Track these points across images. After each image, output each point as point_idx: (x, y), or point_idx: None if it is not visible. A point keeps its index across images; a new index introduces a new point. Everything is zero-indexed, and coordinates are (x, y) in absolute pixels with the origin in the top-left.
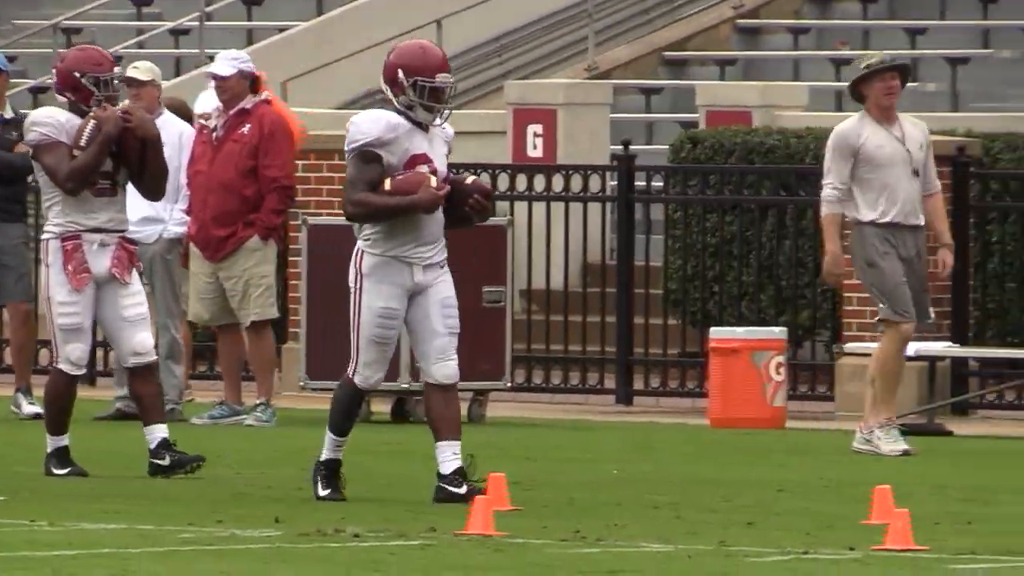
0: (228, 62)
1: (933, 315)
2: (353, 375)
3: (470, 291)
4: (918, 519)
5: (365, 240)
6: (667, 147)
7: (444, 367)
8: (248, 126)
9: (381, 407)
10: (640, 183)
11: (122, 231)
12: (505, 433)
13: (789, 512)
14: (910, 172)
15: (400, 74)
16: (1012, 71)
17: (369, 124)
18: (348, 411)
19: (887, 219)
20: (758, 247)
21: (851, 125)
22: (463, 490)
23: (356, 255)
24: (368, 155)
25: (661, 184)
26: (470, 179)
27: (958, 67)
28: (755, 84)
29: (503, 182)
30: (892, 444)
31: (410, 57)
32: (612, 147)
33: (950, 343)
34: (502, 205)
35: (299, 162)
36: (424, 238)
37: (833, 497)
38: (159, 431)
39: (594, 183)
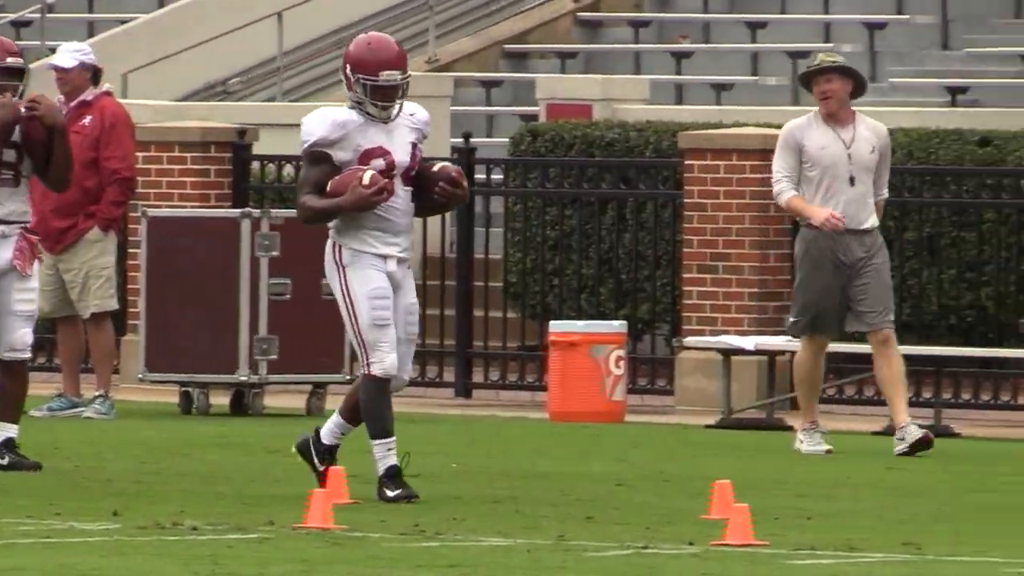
0: (70, 54)
1: (891, 316)
2: (368, 368)
3: (309, 284)
4: (758, 514)
5: (338, 232)
6: (507, 140)
7: (397, 378)
8: (89, 118)
9: (220, 399)
10: (480, 176)
11: (24, 222)
12: None
13: (628, 506)
14: (847, 177)
15: (348, 69)
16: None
17: (314, 124)
18: (380, 410)
19: None
20: (597, 240)
21: (799, 122)
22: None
23: (333, 249)
24: (315, 155)
25: (501, 177)
26: (437, 166)
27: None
28: (595, 77)
29: None
30: (813, 446)
31: (358, 52)
32: (452, 140)
33: (791, 338)
34: None
35: (139, 154)
36: (391, 228)
37: (673, 492)
38: (9, 430)
39: None
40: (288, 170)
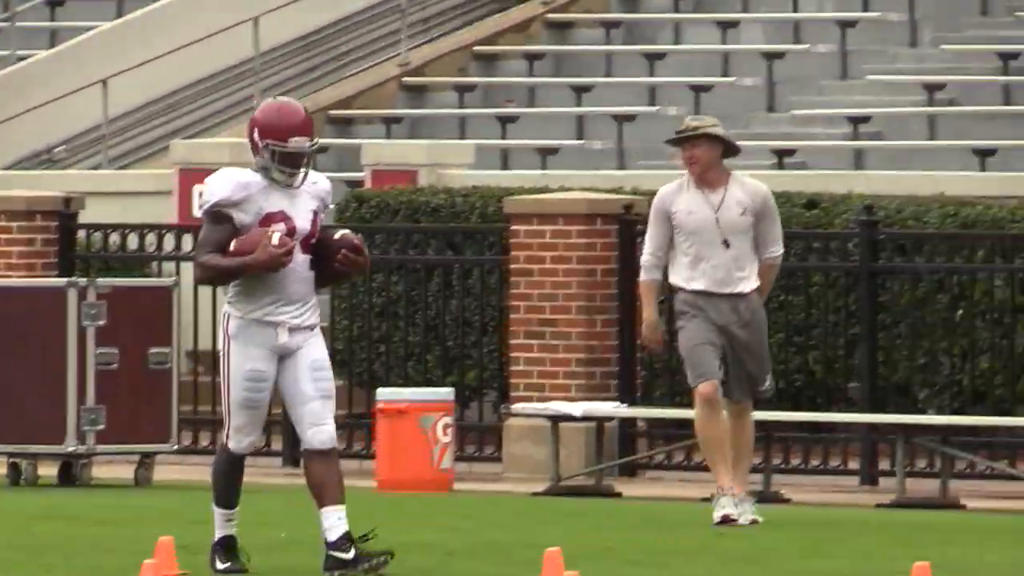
0: None
1: (770, 384)
2: (227, 439)
3: (137, 353)
4: None
5: (229, 303)
6: (333, 207)
7: (319, 432)
8: None
9: (49, 470)
10: None
11: None
12: (172, 496)
13: (461, 574)
14: (719, 240)
15: (255, 134)
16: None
17: (218, 184)
18: (229, 480)
19: (694, 286)
20: (424, 307)
21: (669, 189)
22: (350, 555)
23: (224, 318)
24: (216, 215)
25: None
26: (338, 234)
27: (624, 124)
28: (421, 143)
29: (169, 243)
30: (716, 511)
31: (266, 117)
32: None
33: (618, 403)
34: (168, 267)
35: None
36: (287, 297)
37: (503, 560)
38: None
39: None
40: (114, 238)
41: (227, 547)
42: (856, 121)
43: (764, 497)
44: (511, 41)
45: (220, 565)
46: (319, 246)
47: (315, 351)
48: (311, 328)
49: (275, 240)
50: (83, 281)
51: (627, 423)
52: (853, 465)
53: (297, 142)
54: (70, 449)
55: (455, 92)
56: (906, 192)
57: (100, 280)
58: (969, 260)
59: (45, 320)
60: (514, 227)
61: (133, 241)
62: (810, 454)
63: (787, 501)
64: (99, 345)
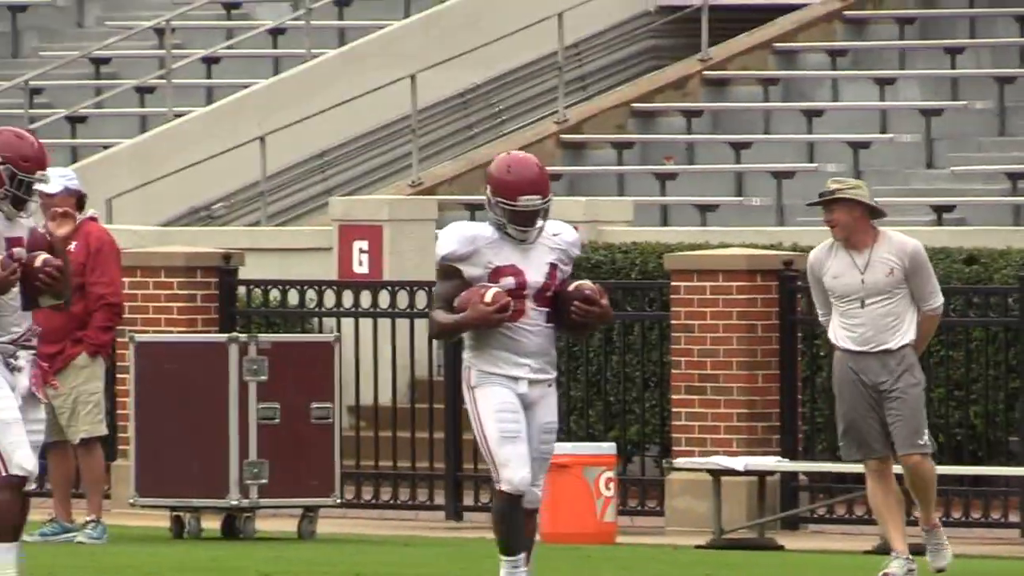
0: (55, 179)
1: (928, 440)
2: (498, 485)
3: (298, 407)
4: None
5: (467, 358)
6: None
7: (529, 493)
8: (75, 244)
9: (212, 524)
10: None
11: (35, 347)
12: (336, 550)
13: None
14: (860, 301)
15: (488, 191)
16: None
17: (446, 238)
18: (508, 527)
19: (845, 346)
20: (586, 362)
21: (819, 252)
22: None
23: (465, 371)
24: (445, 270)
25: None
26: (573, 285)
27: (783, 181)
28: (579, 199)
29: (329, 299)
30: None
31: (498, 175)
32: None
33: (780, 457)
34: (328, 322)
35: (125, 279)
36: (522, 351)
37: None
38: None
39: (420, 299)
40: (274, 294)
41: None
42: (1015, 177)
43: (925, 549)
44: (669, 98)
45: None
46: (557, 298)
47: (548, 413)
48: (548, 383)
49: (488, 297)
50: (244, 337)
51: (789, 477)
52: (1014, 518)
53: (527, 200)
54: (233, 503)
55: (613, 149)
56: None
57: (262, 336)
58: None
59: (207, 375)
60: (675, 283)
61: (293, 297)
62: (971, 507)
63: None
64: (261, 400)
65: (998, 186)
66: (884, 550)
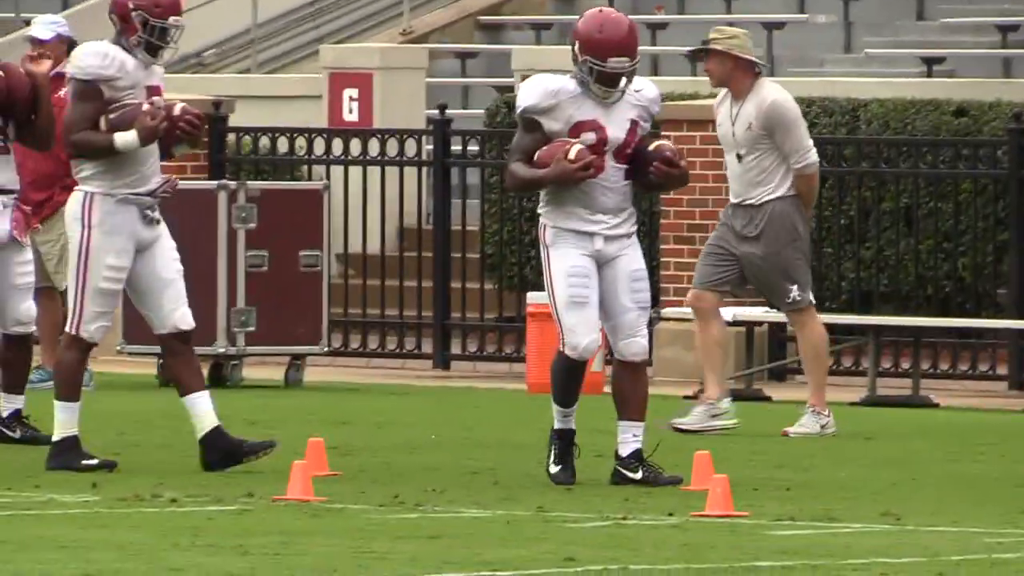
0: (47, 26)
1: (797, 294)
2: (563, 346)
3: (287, 256)
4: (737, 485)
5: (542, 211)
6: (483, 112)
7: (632, 344)
8: (66, 90)
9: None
10: (456, 147)
11: (16, 192)
12: (323, 398)
13: (608, 477)
14: (735, 153)
15: (576, 47)
16: (827, 36)
17: (528, 90)
18: (564, 383)
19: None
20: None
21: (717, 99)
22: (639, 475)
23: (540, 228)
24: (526, 122)
25: (477, 148)
26: (653, 144)
27: (774, 32)
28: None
29: (319, 146)
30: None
31: (587, 32)
32: (428, 111)
33: (768, 308)
34: (318, 169)
35: None
36: (599, 207)
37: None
38: (18, 402)
39: (410, 147)
40: (264, 142)
41: (563, 439)
42: (1005, 29)
43: (913, 401)
44: None
45: (552, 468)
46: (635, 155)
47: (634, 261)
48: (627, 236)
49: (572, 154)
50: (234, 184)
51: (777, 327)
52: (1002, 370)
53: (616, 63)
54: (220, 350)
55: None
56: None
57: (251, 183)
58: None
59: (195, 222)
60: (664, 132)
61: (283, 145)
62: (959, 359)
63: (936, 406)
64: (249, 247)
65: (988, 38)
66: (872, 401)
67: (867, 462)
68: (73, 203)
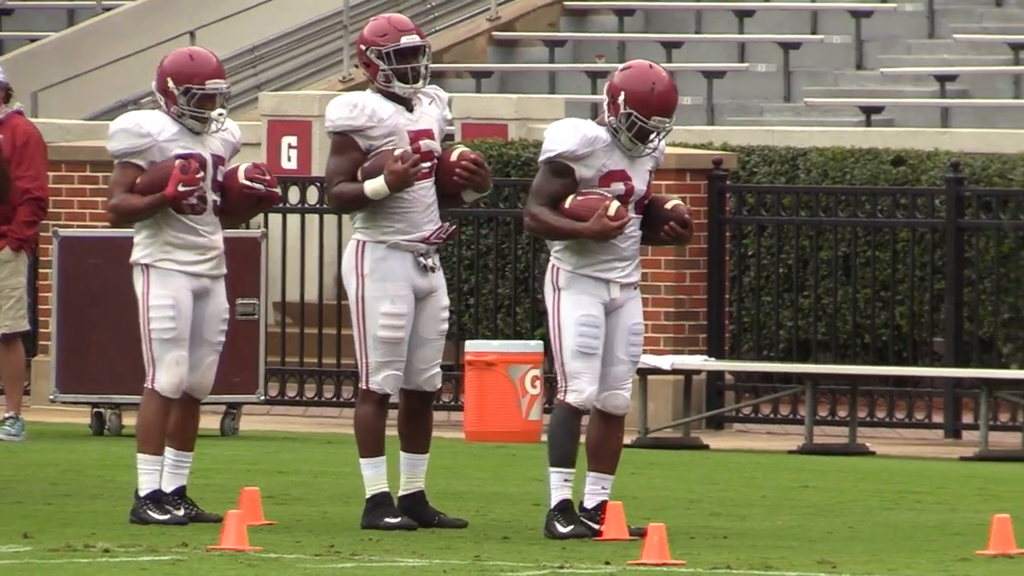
0: None
1: None
2: (564, 394)
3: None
4: (674, 533)
5: (557, 256)
6: None
7: (616, 396)
8: (0, 137)
9: (133, 420)
10: None
11: None
12: (259, 447)
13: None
14: None
15: (620, 97)
16: (767, 84)
17: (564, 135)
18: (566, 438)
19: None
20: (513, 260)
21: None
22: (596, 527)
23: (551, 271)
24: (557, 167)
25: None
26: (671, 203)
27: (714, 80)
28: (511, 97)
29: None
30: None
31: (626, 84)
32: None
33: (707, 357)
34: (256, 217)
35: (51, 173)
36: (619, 255)
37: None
38: None
39: None
40: None
41: (566, 509)
42: (943, 79)
43: (849, 449)
44: None
45: (562, 529)
46: (648, 208)
47: (637, 314)
48: (634, 286)
49: (612, 211)
50: None
51: (715, 376)
52: (937, 418)
53: (659, 121)
54: None
55: (545, 47)
56: (992, 149)
57: None
58: None
59: (130, 271)
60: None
61: None
62: (895, 407)
63: (872, 454)
64: None
65: (927, 88)
66: (808, 449)
67: (803, 510)
68: (347, 253)
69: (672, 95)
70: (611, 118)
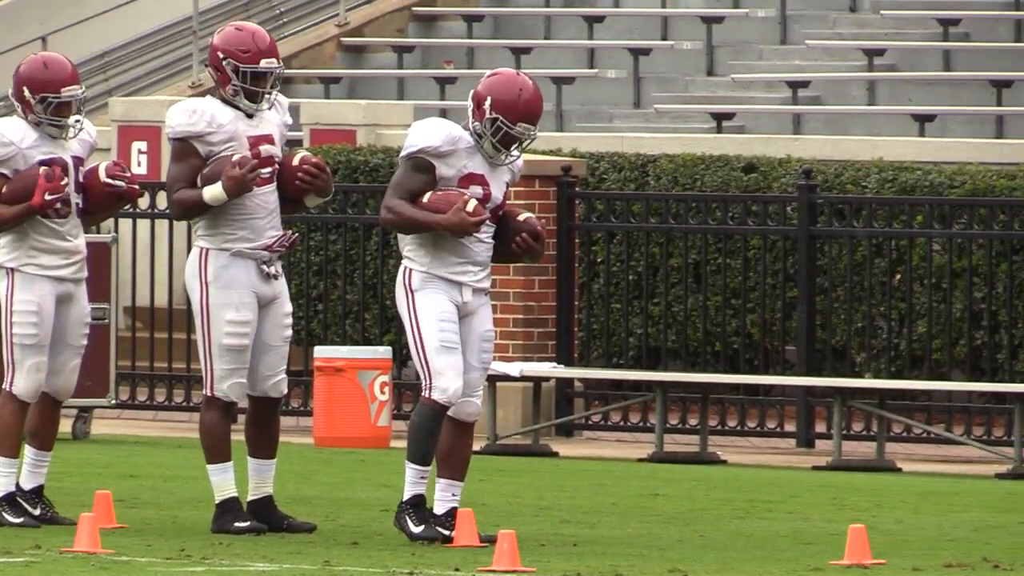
0: None
1: None
2: (430, 392)
3: None
4: (524, 540)
5: (408, 257)
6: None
7: (468, 404)
8: None
9: None
10: None
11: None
12: (109, 450)
13: (394, 532)
14: None
15: (486, 103)
16: (617, 91)
17: (428, 131)
18: (427, 435)
19: None
20: (362, 266)
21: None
22: (452, 532)
23: (403, 273)
24: (419, 162)
25: None
26: (523, 216)
27: (563, 86)
28: (359, 102)
29: None
30: None
31: (505, 97)
32: None
33: (556, 364)
34: (106, 223)
35: None
36: (472, 260)
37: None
38: None
39: None
40: None
41: (419, 505)
42: (795, 86)
43: (700, 458)
44: (450, 3)
45: (415, 529)
46: (501, 220)
47: (488, 321)
48: (485, 293)
49: (470, 207)
50: None
51: (564, 383)
52: (790, 427)
53: (523, 128)
54: None
55: (394, 53)
56: (845, 157)
57: None
58: (907, 225)
59: None
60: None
61: None
62: (747, 416)
63: (724, 462)
64: None
65: (778, 94)
66: (659, 457)
67: (654, 518)
68: (190, 261)
69: (538, 103)
70: (475, 123)
